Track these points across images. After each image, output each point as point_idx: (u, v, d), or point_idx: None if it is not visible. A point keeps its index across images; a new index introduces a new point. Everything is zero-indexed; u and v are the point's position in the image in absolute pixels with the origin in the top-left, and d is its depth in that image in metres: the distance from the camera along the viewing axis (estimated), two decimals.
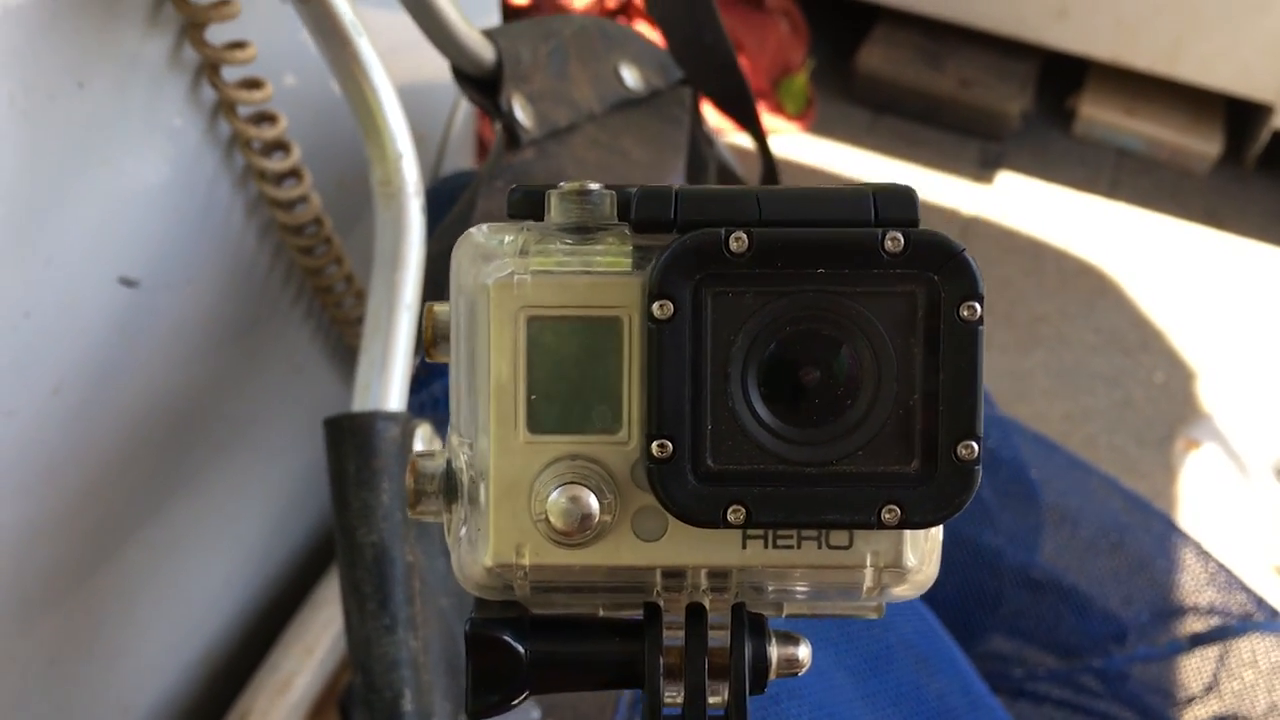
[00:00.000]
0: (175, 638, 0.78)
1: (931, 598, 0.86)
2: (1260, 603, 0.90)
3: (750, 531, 0.24)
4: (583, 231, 0.24)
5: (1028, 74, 1.99)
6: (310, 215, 0.71)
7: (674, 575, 0.24)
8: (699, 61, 0.75)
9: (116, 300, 0.62)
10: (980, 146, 1.96)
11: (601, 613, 0.26)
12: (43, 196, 0.55)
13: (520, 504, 0.24)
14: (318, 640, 0.80)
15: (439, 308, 0.26)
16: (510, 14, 1.93)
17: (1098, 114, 1.97)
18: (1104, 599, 0.91)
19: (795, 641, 0.26)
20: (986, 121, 1.95)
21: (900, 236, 0.22)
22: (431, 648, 0.48)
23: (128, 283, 0.62)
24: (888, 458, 0.23)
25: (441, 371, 0.60)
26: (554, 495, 0.23)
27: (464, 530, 0.25)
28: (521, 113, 0.65)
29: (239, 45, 0.61)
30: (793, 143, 1.93)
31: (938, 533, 0.24)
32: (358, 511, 0.46)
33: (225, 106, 0.63)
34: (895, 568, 0.24)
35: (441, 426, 0.53)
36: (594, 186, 0.25)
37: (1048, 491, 0.94)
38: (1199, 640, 0.87)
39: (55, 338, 0.59)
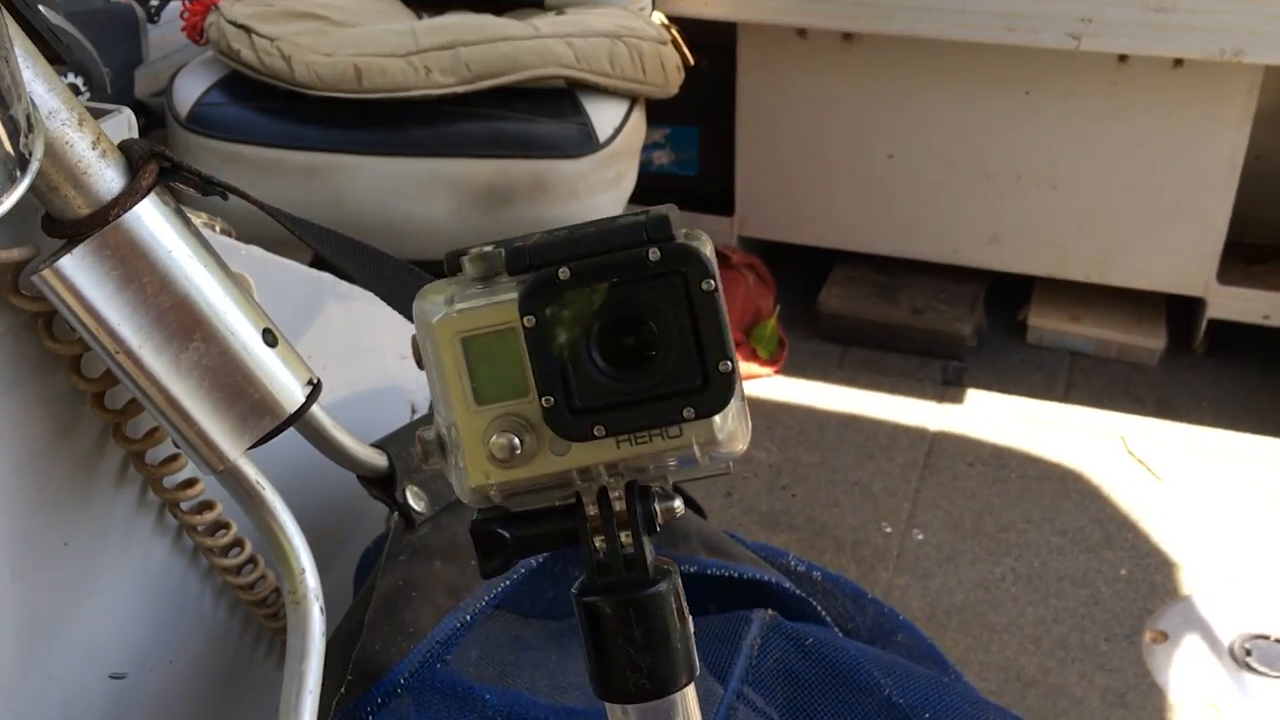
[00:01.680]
0: None
1: None
2: None
3: (620, 437, 0.38)
4: (487, 280, 0.40)
5: (976, 294, 2.16)
6: (269, 589, 0.88)
7: (584, 472, 0.39)
8: None
9: (109, 691, 0.79)
10: (942, 365, 2.12)
11: (557, 502, 0.41)
12: (41, 630, 0.72)
13: (483, 448, 0.39)
14: None
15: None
16: None
17: (1045, 323, 2.13)
18: None
19: (671, 498, 0.41)
20: (943, 342, 2.12)
21: (658, 250, 0.37)
22: None
23: (117, 677, 0.79)
24: (682, 380, 0.38)
25: None
26: (494, 439, 0.38)
27: (453, 472, 0.40)
28: (414, 500, 0.83)
29: (190, 483, 0.79)
30: (769, 385, 2.10)
31: (736, 414, 0.39)
32: None
33: (187, 528, 0.82)
34: (711, 443, 0.39)
35: None
36: (488, 248, 0.40)
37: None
38: None
39: None
